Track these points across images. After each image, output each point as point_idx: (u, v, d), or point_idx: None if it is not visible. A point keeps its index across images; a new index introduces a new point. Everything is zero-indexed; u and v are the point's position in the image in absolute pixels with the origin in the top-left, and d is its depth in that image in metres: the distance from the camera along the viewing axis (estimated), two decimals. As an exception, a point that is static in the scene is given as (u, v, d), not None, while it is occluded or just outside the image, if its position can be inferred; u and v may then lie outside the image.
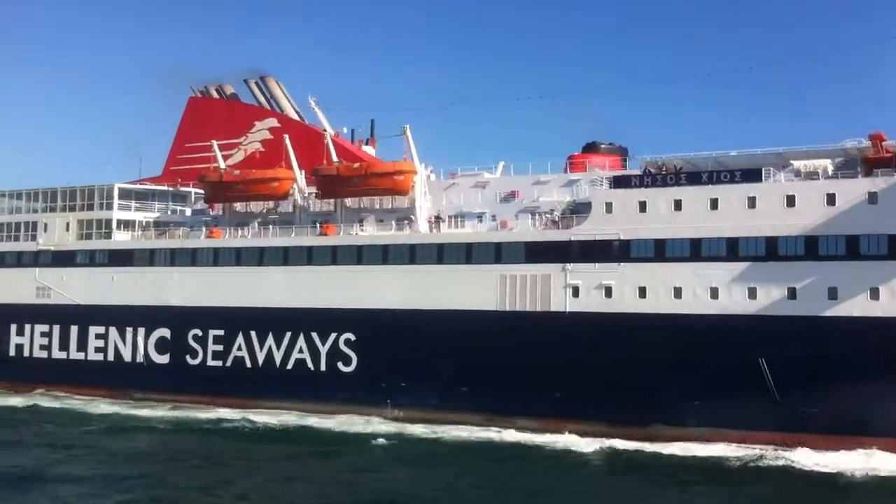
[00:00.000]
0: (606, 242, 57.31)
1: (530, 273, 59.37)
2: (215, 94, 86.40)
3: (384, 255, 64.80)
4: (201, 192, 77.93)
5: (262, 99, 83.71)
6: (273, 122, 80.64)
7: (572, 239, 58.47)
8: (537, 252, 59.37)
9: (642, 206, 56.78)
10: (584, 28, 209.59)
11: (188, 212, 79.19)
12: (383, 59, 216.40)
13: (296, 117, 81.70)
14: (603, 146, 67.17)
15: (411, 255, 63.83)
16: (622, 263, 56.69)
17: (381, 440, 55.80)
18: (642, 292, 55.89)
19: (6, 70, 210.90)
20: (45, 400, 72.15)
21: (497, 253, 60.84)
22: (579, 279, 57.71)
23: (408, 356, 62.06)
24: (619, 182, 58.45)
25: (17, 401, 71.57)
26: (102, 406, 69.23)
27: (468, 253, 61.85)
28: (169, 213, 78.88)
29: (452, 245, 62.66)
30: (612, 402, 55.02)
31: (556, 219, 60.63)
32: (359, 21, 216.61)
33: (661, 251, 55.81)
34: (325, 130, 72.76)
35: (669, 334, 54.17)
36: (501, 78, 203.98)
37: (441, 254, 62.81)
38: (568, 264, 58.11)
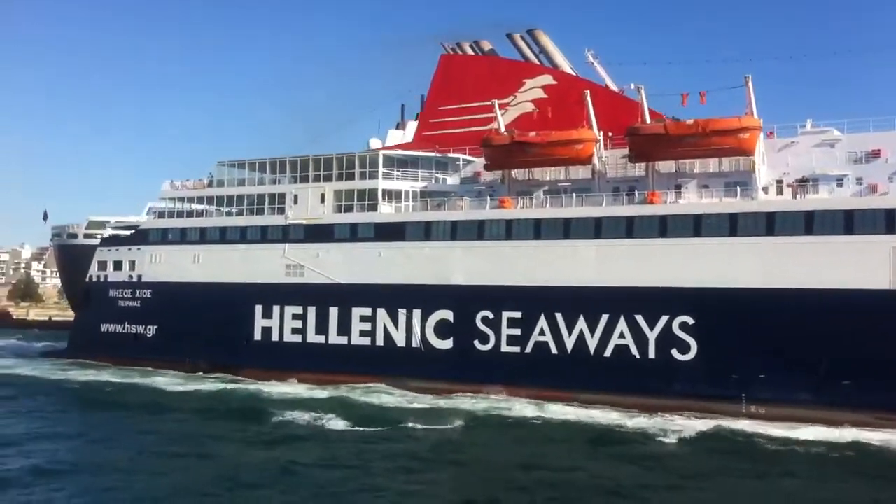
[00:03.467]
0: None
1: None
2: (469, 51, 78.07)
3: (732, 225, 55.94)
4: (470, 158, 70.10)
5: (530, 54, 74.96)
6: (548, 79, 71.63)
7: None
8: None
9: None
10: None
11: (450, 180, 71.12)
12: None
13: (572, 74, 72.67)
14: None
15: (769, 224, 54.83)
16: None
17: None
18: None
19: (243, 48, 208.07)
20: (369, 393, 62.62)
21: (889, 221, 51.49)
22: None
23: (769, 344, 53.40)
24: None
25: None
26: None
27: (848, 222, 52.64)
28: (433, 181, 70.97)
29: (825, 213, 53.42)
30: None
31: (975, 178, 50.98)
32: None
33: None
34: (634, 87, 63.23)
35: None
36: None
37: (810, 223, 53.68)
38: None
